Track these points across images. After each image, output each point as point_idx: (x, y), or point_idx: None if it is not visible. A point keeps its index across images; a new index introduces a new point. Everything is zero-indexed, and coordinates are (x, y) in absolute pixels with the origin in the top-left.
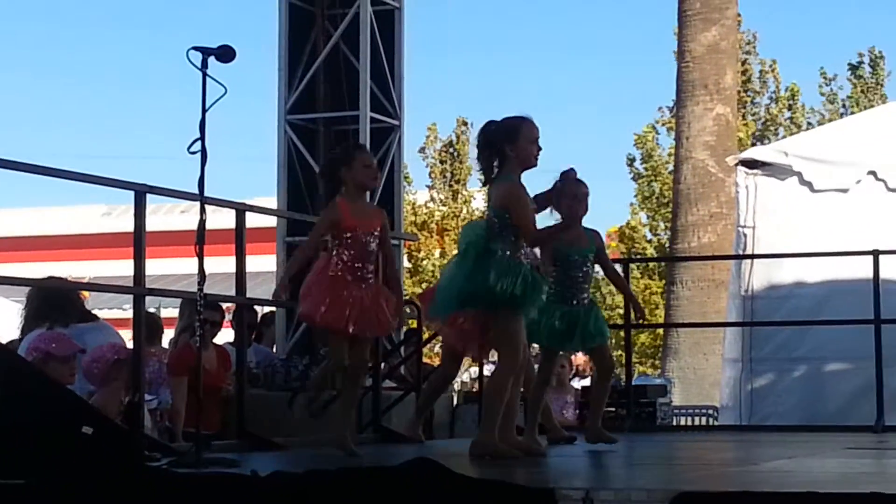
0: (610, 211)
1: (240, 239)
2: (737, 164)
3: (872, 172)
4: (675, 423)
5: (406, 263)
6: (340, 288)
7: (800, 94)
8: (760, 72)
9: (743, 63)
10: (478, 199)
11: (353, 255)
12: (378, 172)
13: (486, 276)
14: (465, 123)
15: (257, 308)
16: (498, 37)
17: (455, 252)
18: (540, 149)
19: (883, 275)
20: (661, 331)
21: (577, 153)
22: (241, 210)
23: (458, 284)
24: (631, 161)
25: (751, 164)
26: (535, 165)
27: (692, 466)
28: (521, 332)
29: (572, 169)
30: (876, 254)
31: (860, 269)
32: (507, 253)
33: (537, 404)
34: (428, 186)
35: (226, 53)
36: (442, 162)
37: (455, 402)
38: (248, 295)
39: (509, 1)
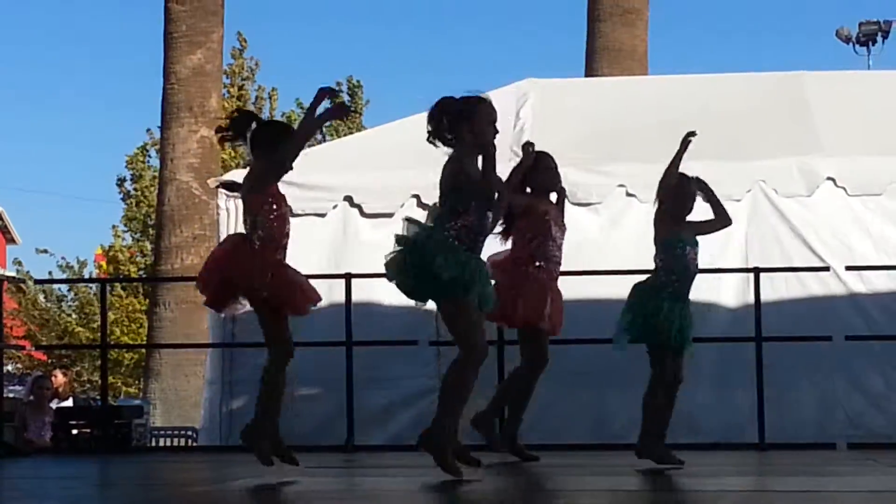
0: (101, 232)
1: None
2: (217, 187)
3: (349, 198)
4: (153, 444)
5: None
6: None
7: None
8: (257, 97)
9: (240, 88)
10: None
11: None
12: None
13: (430, 260)
14: None
15: None
16: None
17: None
18: (497, 131)
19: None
20: (144, 351)
21: (72, 173)
22: None
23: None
24: (122, 182)
25: (231, 186)
26: (491, 148)
27: (156, 486)
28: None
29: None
30: (348, 277)
31: (335, 292)
32: (453, 235)
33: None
34: None
35: None
36: None
37: None
38: None
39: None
